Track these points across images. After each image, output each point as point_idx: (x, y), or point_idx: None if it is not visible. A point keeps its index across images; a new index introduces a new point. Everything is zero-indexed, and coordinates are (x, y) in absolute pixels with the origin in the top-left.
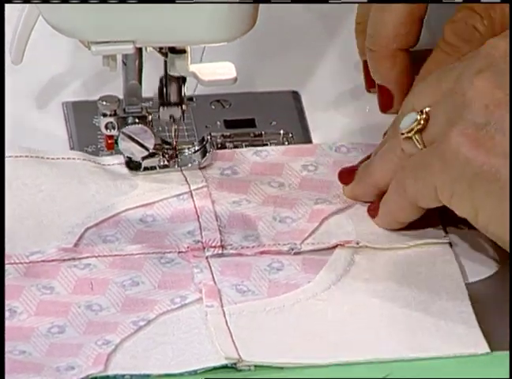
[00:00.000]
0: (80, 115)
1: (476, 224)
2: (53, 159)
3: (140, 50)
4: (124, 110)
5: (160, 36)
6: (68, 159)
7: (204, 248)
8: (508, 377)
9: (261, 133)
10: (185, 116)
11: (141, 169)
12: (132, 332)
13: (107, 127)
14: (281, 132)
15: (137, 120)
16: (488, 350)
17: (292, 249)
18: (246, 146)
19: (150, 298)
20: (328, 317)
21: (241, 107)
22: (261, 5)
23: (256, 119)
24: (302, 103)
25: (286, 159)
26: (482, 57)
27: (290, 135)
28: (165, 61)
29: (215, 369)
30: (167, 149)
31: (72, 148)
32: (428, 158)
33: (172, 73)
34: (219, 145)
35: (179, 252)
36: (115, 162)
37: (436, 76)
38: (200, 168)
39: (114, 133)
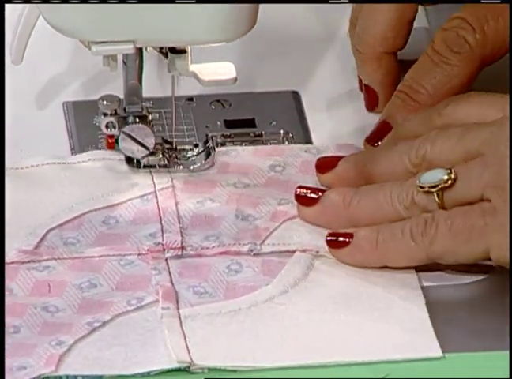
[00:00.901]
0: (81, 115)
1: None
2: (22, 168)
3: (140, 50)
4: (124, 109)
5: (160, 36)
6: (36, 166)
7: (164, 250)
8: (508, 377)
9: (262, 133)
10: (185, 116)
11: (141, 167)
12: (86, 333)
13: (107, 127)
14: (281, 132)
15: (137, 119)
16: (441, 354)
17: (252, 250)
18: (246, 146)
19: (107, 300)
20: (284, 321)
21: (241, 107)
22: (260, 6)
23: (256, 119)
24: (302, 103)
25: (255, 159)
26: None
27: (290, 135)
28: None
29: (170, 371)
30: (167, 149)
31: (72, 148)
32: (475, 219)
33: (172, 72)
34: (219, 145)
35: (139, 254)
36: (85, 159)
37: (459, 133)
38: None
39: (115, 132)
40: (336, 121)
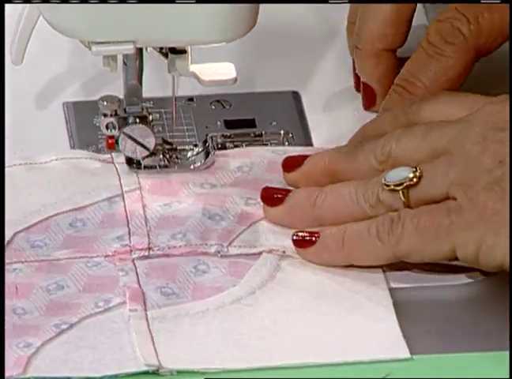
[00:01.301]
0: (81, 115)
1: (509, 265)
2: None
3: (140, 51)
4: (125, 110)
5: (160, 36)
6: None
7: (131, 251)
8: (508, 377)
9: (262, 134)
10: (185, 116)
11: (142, 168)
12: (54, 335)
13: (107, 127)
14: (281, 132)
15: (137, 120)
16: (409, 355)
17: (219, 252)
18: (246, 146)
19: (74, 302)
20: (251, 322)
21: (241, 108)
22: (261, 6)
23: (256, 119)
24: (302, 103)
25: (222, 160)
26: (478, 121)
27: (290, 135)
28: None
29: (139, 373)
30: (167, 149)
31: (72, 149)
32: (441, 218)
33: (173, 73)
34: (219, 145)
35: (106, 256)
36: (52, 158)
37: (424, 130)
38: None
39: (115, 133)
40: (336, 121)
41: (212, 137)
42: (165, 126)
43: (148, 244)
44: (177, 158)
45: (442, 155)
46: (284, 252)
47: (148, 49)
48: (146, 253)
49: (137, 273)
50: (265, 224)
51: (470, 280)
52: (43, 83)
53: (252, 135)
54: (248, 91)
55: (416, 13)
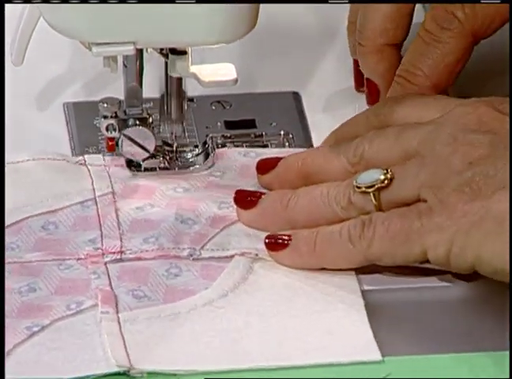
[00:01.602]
0: (81, 116)
1: (480, 267)
2: None
3: (140, 52)
4: (125, 112)
5: (160, 37)
6: None
7: (103, 254)
8: (508, 377)
9: (262, 134)
10: (185, 117)
11: (142, 170)
12: (25, 337)
13: (107, 129)
14: (282, 133)
15: (137, 122)
16: (380, 357)
17: (191, 255)
18: (246, 147)
19: (46, 304)
20: (223, 325)
21: (241, 108)
22: (261, 6)
23: (256, 120)
24: (302, 103)
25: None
26: (449, 123)
27: (290, 136)
28: (166, 67)
29: (109, 375)
30: (167, 151)
31: (73, 150)
32: (411, 220)
33: (173, 74)
34: (219, 146)
35: (78, 258)
36: (26, 158)
37: (396, 132)
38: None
39: (115, 134)
40: (336, 121)
41: (212, 138)
42: (165, 128)
43: (121, 247)
44: (177, 159)
45: (413, 157)
46: (256, 255)
47: (149, 50)
48: (118, 257)
49: (109, 276)
50: (238, 227)
51: (442, 282)
52: (43, 83)
53: (252, 136)
54: (248, 92)
55: (415, 13)
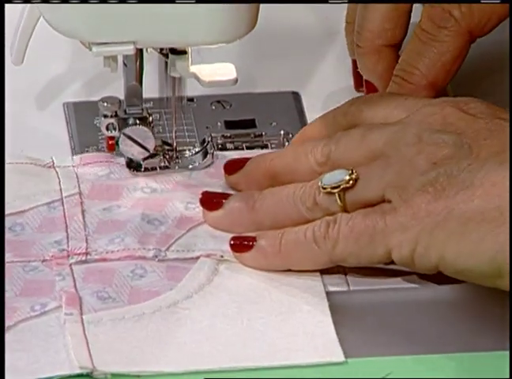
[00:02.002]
0: (81, 116)
1: (444, 267)
2: None
3: (140, 51)
4: (125, 111)
5: (160, 37)
6: None
7: (68, 256)
8: (508, 377)
9: (262, 134)
10: (185, 117)
11: (142, 170)
12: None
13: (107, 128)
14: (281, 132)
15: (137, 121)
16: (343, 358)
17: (157, 256)
18: (246, 147)
19: (10, 306)
20: (187, 326)
21: (241, 108)
22: (261, 6)
23: (256, 120)
24: (302, 103)
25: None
26: (415, 123)
27: (290, 136)
28: (166, 66)
29: (72, 376)
30: (167, 150)
31: (73, 149)
32: (376, 220)
33: (173, 73)
34: (219, 146)
35: (43, 260)
36: None
37: (362, 132)
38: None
39: (115, 134)
40: None
41: (212, 138)
42: (165, 127)
43: (86, 249)
44: (177, 158)
45: (379, 157)
46: (222, 256)
47: (149, 50)
48: (84, 258)
49: (73, 278)
50: (204, 229)
51: (406, 284)
52: (43, 83)
53: (252, 135)
54: (248, 92)
55: (413, 13)
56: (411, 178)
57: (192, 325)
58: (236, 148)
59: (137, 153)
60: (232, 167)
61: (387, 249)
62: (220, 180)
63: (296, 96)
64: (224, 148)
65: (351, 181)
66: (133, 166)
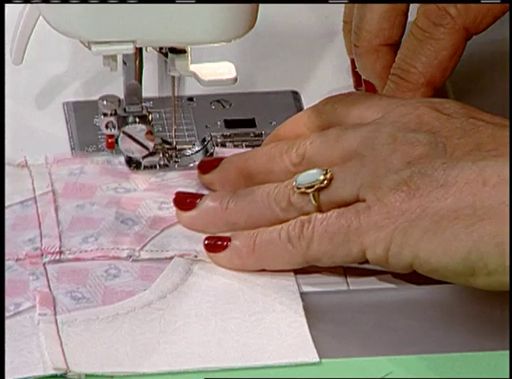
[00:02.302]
0: (81, 115)
1: (418, 266)
2: None
3: (140, 50)
4: (124, 109)
5: (160, 36)
6: None
7: (42, 254)
8: (508, 377)
9: (262, 133)
10: (185, 116)
11: (142, 168)
12: None
13: (107, 126)
14: None
15: (137, 119)
16: (317, 359)
17: (130, 256)
18: (246, 146)
19: None
20: (161, 326)
21: (241, 107)
22: (260, 6)
23: (256, 119)
24: (302, 102)
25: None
26: (389, 123)
27: None
28: (165, 66)
29: (46, 377)
30: (167, 149)
31: (73, 148)
32: (350, 220)
33: (172, 73)
34: (219, 145)
35: (17, 259)
36: None
37: (337, 133)
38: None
39: (115, 132)
40: None
41: (211, 136)
42: (165, 126)
43: (60, 247)
44: (177, 157)
45: (353, 157)
46: (196, 256)
47: (148, 49)
48: (57, 257)
49: (47, 277)
50: (178, 229)
51: (381, 284)
52: (43, 83)
53: (252, 135)
54: (248, 91)
55: (410, 12)
56: (385, 178)
57: (166, 326)
58: (236, 148)
59: (136, 151)
60: (206, 166)
61: (361, 248)
62: (193, 180)
63: (296, 96)
64: (223, 148)
65: (325, 181)
66: (132, 164)
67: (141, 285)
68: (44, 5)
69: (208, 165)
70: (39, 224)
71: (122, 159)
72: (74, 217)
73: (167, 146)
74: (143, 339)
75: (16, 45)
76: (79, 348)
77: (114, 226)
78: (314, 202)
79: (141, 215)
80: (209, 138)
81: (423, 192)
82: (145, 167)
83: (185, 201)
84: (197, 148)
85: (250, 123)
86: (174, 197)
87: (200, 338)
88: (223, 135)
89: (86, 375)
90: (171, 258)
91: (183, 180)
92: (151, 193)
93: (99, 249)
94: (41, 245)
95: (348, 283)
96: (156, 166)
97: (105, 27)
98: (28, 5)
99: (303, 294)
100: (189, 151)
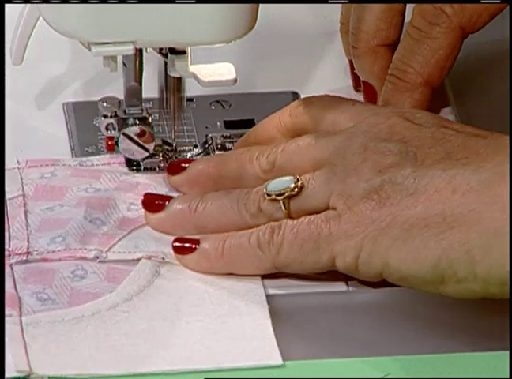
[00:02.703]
0: (81, 116)
1: (388, 274)
2: None
3: (140, 51)
4: (124, 111)
5: (160, 37)
6: None
7: (9, 255)
8: (508, 377)
9: None
10: (185, 117)
11: (142, 170)
12: None
13: (107, 128)
14: None
15: (137, 121)
16: (281, 361)
17: (98, 257)
18: None
19: None
20: (126, 329)
21: (241, 108)
22: (260, 6)
23: (256, 120)
24: None
25: (108, 168)
26: (361, 133)
27: None
28: (165, 66)
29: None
30: (167, 150)
31: (72, 149)
32: (320, 227)
33: (172, 73)
34: (219, 146)
35: None
36: None
37: (309, 141)
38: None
39: (115, 134)
40: None
41: (211, 138)
42: (165, 127)
43: (28, 248)
44: (177, 159)
45: (324, 165)
46: (163, 258)
47: (148, 50)
48: (24, 258)
49: (14, 278)
50: (146, 230)
51: (347, 287)
52: (42, 83)
53: None
54: (248, 92)
55: (407, 13)
56: (356, 186)
57: (130, 328)
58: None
59: (136, 153)
60: (175, 168)
61: (331, 256)
62: (163, 181)
63: (296, 96)
64: (223, 148)
65: (296, 189)
66: (132, 166)
67: (108, 287)
68: (44, 5)
69: (177, 167)
70: (9, 227)
71: (123, 159)
72: (43, 219)
73: (168, 147)
74: (108, 342)
75: (16, 45)
76: (43, 350)
77: (83, 225)
78: (284, 209)
79: (110, 216)
80: (210, 142)
81: (394, 200)
82: (145, 169)
83: (153, 203)
84: (198, 151)
85: (250, 124)
86: (143, 198)
87: (164, 340)
88: (223, 136)
89: (49, 377)
90: (139, 260)
91: (155, 180)
92: (120, 193)
93: (66, 250)
94: (9, 246)
95: (313, 285)
96: (155, 168)
97: (105, 27)
98: (28, 5)
99: (269, 297)
100: (190, 154)
